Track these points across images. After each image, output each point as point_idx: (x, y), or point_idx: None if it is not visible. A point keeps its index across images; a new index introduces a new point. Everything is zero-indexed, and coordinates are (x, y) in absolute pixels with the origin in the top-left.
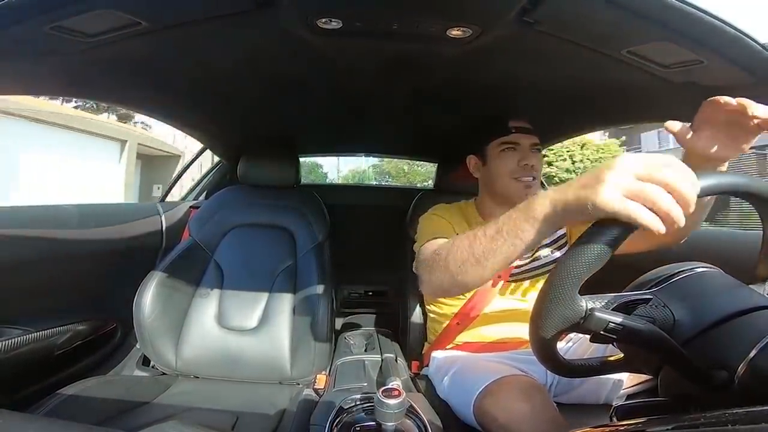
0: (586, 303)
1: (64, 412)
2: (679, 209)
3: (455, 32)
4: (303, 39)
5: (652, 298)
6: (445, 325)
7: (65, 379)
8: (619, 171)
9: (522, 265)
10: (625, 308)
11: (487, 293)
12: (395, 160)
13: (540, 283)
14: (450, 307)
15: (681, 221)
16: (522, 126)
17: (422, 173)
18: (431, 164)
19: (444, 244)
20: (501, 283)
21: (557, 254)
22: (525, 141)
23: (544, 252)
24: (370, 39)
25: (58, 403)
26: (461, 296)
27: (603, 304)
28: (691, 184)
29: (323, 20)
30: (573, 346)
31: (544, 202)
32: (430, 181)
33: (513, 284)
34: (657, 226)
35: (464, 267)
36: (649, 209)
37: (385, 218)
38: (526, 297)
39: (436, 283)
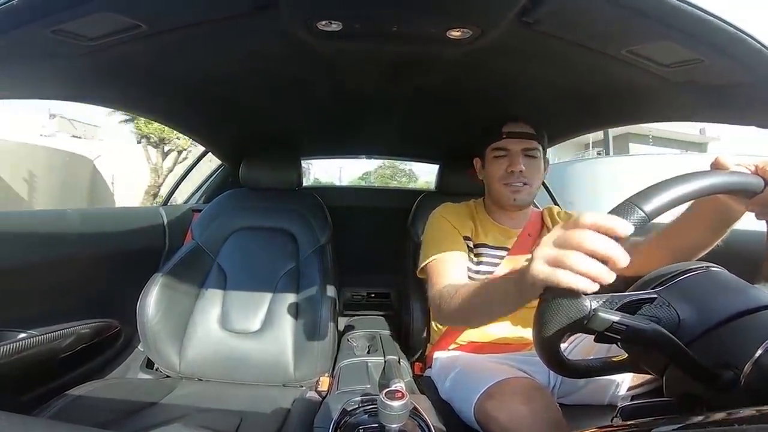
0: (590, 302)
1: (68, 415)
2: (599, 266)
3: (455, 33)
4: (303, 41)
5: (656, 298)
6: (446, 327)
7: (69, 382)
8: (543, 244)
9: None
10: (629, 308)
11: None
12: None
13: None
14: None
15: (605, 278)
16: (514, 131)
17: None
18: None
19: (449, 286)
20: None
21: None
22: (515, 146)
23: None
24: (371, 41)
25: (63, 406)
26: None
27: (607, 303)
28: (604, 239)
29: (323, 22)
30: (576, 347)
31: (512, 277)
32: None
33: None
34: (581, 286)
35: (469, 312)
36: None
37: (387, 220)
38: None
39: (449, 320)
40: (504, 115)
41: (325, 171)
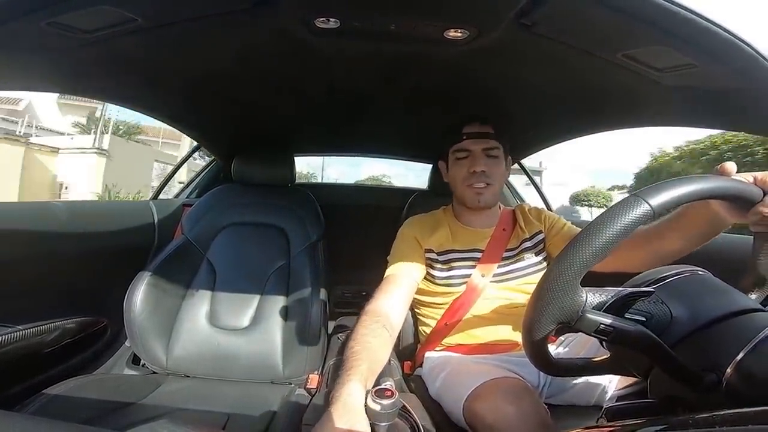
0: (586, 294)
1: (51, 411)
2: None
3: (453, 34)
4: (300, 38)
5: (653, 292)
6: (433, 326)
7: (54, 378)
8: None
9: (506, 264)
10: (625, 302)
11: (473, 294)
12: None
13: (524, 285)
14: (436, 309)
15: None
16: (474, 131)
17: None
18: None
19: (364, 318)
20: (486, 284)
21: (536, 258)
22: (476, 147)
23: (527, 254)
24: (368, 39)
25: (46, 402)
26: (446, 297)
27: (603, 297)
28: None
29: (321, 20)
30: (566, 347)
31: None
32: None
33: (498, 285)
34: None
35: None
36: None
37: (379, 218)
38: (512, 298)
39: None
40: (464, 116)
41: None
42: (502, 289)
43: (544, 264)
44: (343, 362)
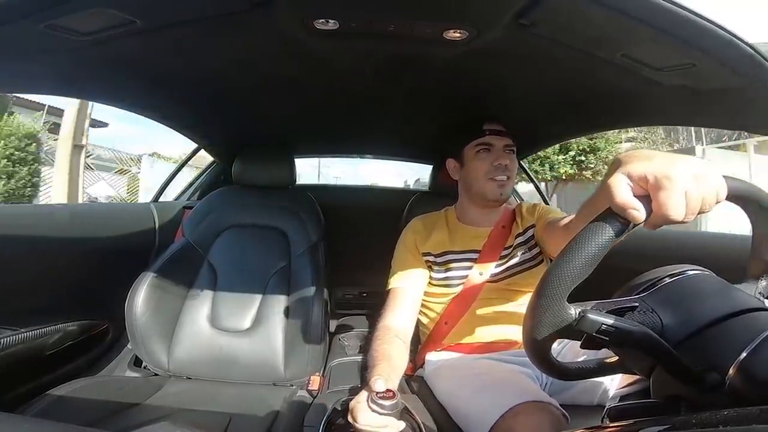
0: (575, 310)
1: (53, 413)
2: None
3: (451, 34)
4: (299, 40)
5: (638, 305)
6: (432, 326)
7: (56, 380)
8: None
9: (502, 263)
10: (612, 314)
11: (470, 293)
12: None
13: (519, 282)
14: (435, 309)
15: None
16: (495, 128)
17: None
18: None
19: (382, 333)
20: (484, 283)
21: (530, 254)
22: (498, 142)
23: (520, 251)
24: (367, 40)
25: (48, 404)
26: (444, 298)
27: (592, 310)
28: None
29: (320, 21)
30: (565, 348)
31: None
32: None
33: (495, 283)
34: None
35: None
36: None
37: (380, 219)
38: (509, 297)
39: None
40: (498, 114)
41: None
42: (500, 287)
43: (539, 259)
44: (368, 368)
